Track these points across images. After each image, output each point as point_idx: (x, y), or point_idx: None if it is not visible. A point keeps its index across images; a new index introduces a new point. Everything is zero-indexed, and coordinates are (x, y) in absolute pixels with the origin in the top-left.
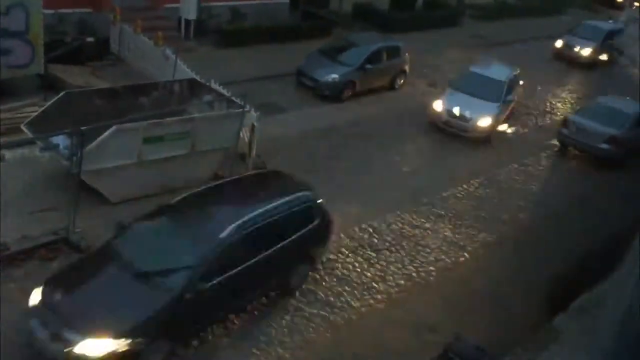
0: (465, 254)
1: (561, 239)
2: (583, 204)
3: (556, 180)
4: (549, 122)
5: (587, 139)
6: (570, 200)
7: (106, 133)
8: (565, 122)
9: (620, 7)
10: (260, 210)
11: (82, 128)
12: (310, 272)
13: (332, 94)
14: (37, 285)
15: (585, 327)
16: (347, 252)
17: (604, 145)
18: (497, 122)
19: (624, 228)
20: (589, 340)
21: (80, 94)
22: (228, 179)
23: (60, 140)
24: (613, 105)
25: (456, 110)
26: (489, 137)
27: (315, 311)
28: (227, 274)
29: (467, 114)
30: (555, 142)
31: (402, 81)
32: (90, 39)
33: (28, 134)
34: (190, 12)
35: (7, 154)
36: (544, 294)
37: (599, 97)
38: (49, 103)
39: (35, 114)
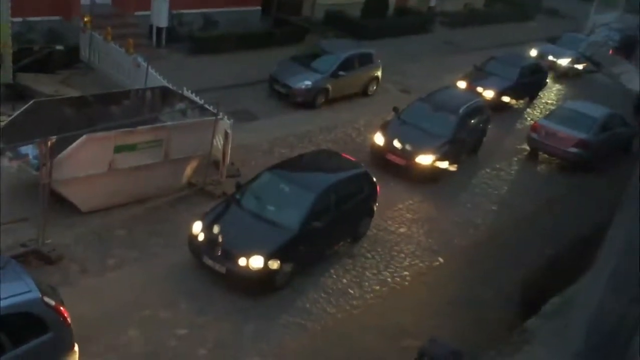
0: (440, 259)
1: (533, 242)
2: (554, 207)
3: (527, 184)
4: (519, 127)
5: (556, 143)
6: (541, 204)
7: (77, 142)
8: (534, 127)
9: None
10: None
11: (52, 137)
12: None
13: (305, 101)
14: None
15: (556, 328)
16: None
17: (573, 149)
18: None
19: (593, 230)
20: (560, 341)
21: (50, 102)
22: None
23: (30, 150)
24: (581, 109)
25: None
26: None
27: (291, 319)
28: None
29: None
30: (525, 146)
31: (375, 87)
32: (59, 47)
33: None
34: (161, 19)
35: None
36: (517, 297)
37: (567, 102)
38: (17, 112)
39: (4, 123)
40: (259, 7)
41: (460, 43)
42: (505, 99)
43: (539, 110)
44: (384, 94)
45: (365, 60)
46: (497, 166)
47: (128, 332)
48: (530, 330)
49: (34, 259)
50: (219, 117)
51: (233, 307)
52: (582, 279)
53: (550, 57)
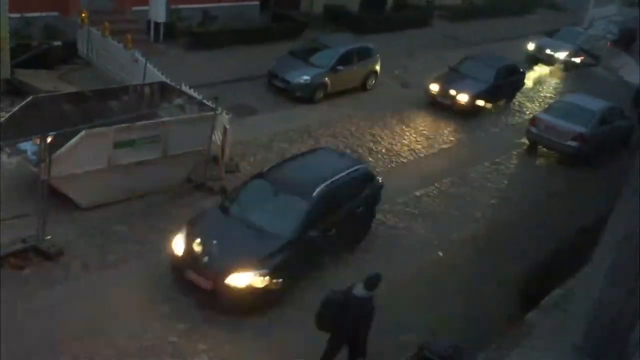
0: (439, 253)
1: (532, 236)
2: (553, 200)
3: (526, 177)
4: (518, 120)
5: (555, 137)
6: (540, 198)
7: (75, 138)
8: (533, 121)
9: None
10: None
11: (51, 133)
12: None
13: (304, 96)
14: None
15: (556, 322)
16: None
17: (572, 143)
18: None
19: (592, 224)
20: (560, 335)
21: (48, 98)
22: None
23: (28, 145)
24: (580, 103)
25: None
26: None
27: (288, 314)
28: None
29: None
30: (524, 140)
31: (373, 82)
32: (57, 43)
33: None
34: (159, 14)
35: None
36: (517, 291)
37: (567, 95)
38: (16, 108)
39: (2, 119)
40: (258, 2)
41: (460, 37)
42: (480, 102)
43: (537, 104)
44: (382, 88)
45: (364, 54)
46: (497, 160)
47: (128, 327)
48: (530, 324)
49: (33, 255)
50: (217, 112)
51: None
52: (581, 272)
53: (548, 51)
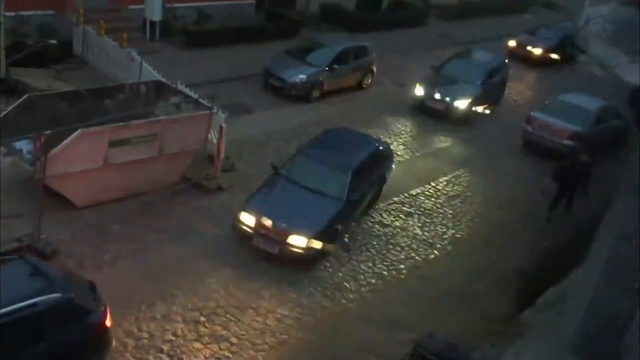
0: (435, 252)
1: (528, 235)
2: (548, 199)
3: (521, 177)
4: (512, 119)
5: (550, 136)
6: (535, 197)
7: (71, 137)
8: (528, 120)
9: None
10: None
11: (46, 132)
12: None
13: (300, 95)
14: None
15: (551, 320)
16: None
17: (567, 142)
18: None
19: (587, 223)
20: (555, 334)
21: (44, 97)
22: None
23: (24, 145)
24: (575, 102)
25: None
26: None
27: (286, 312)
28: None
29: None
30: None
31: (370, 81)
32: (53, 42)
33: None
34: (155, 13)
35: None
36: (513, 290)
37: (562, 94)
38: (11, 107)
39: None
40: (253, 1)
41: (455, 36)
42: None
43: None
44: (379, 87)
45: (360, 53)
46: (490, 159)
47: (124, 326)
48: (524, 323)
49: (28, 253)
50: (213, 111)
51: (235, 301)
52: (576, 271)
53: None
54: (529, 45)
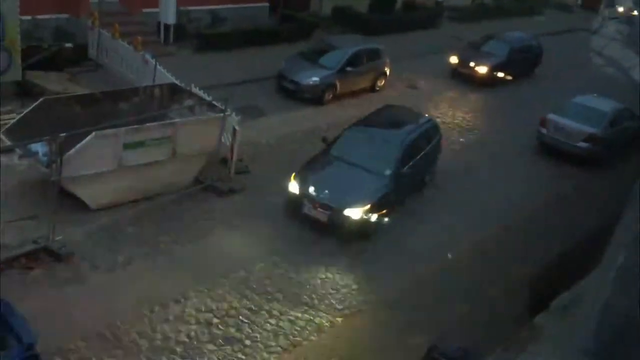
0: (449, 255)
1: (542, 238)
2: (562, 203)
3: (536, 179)
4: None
5: (565, 138)
6: (550, 199)
7: (86, 139)
8: (543, 122)
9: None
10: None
11: (61, 135)
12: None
13: (313, 97)
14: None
15: (565, 325)
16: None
17: (583, 144)
18: None
19: (602, 226)
20: (569, 338)
21: (59, 100)
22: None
23: (39, 147)
24: (591, 103)
25: None
26: None
27: (299, 315)
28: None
29: None
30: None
31: (382, 83)
32: (68, 45)
33: (6, 141)
34: (169, 16)
35: None
36: (527, 293)
37: (577, 96)
38: (27, 110)
39: (13, 121)
40: (267, 4)
41: (469, 38)
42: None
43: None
44: (391, 90)
45: (373, 55)
46: (505, 161)
47: (136, 326)
48: (538, 327)
49: (44, 256)
50: (227, 113)
51: (248, 303)
52: (590, 275)
53: (472, 64)
54: (472, 61)
